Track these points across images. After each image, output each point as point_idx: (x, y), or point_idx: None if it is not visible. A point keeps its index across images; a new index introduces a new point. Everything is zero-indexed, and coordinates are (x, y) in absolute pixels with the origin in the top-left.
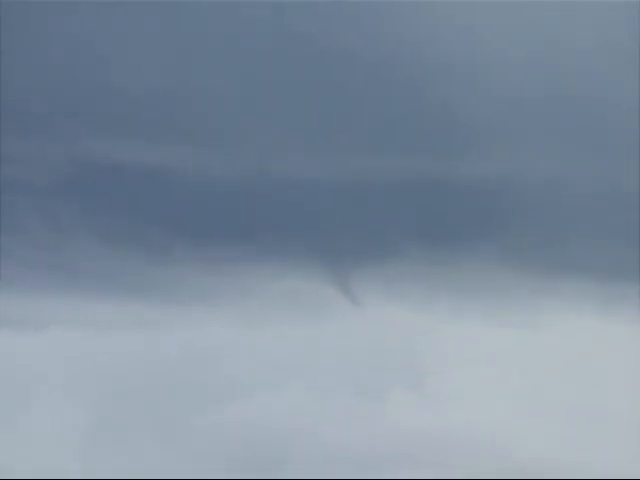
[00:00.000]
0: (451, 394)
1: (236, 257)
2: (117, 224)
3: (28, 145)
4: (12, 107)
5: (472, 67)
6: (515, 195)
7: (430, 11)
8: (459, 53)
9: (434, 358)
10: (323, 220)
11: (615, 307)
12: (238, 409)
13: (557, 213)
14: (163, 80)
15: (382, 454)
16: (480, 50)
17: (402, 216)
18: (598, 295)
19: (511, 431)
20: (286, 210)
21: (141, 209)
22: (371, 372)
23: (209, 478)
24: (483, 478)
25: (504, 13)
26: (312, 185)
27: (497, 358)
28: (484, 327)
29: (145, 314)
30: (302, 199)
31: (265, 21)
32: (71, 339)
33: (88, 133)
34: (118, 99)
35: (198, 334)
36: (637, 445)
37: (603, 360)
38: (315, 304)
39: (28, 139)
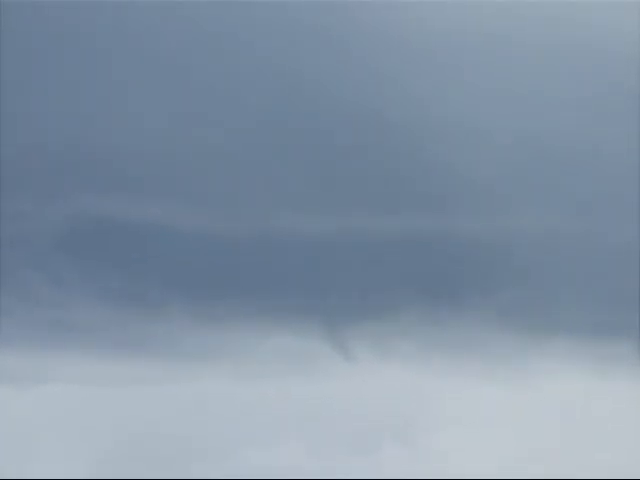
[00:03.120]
0: (443, 450)
1: (232, 314)
2: (116, 281)
3: (27, 202)
4: (11, 164)
5: (469, 123)
6: (511, 253)
7: (430, 70)
8: (457, 110)
9: (427, 415)
10: (319, 277)
11: (609, 366)
12: (231, 463)
13: (552, 271)
14: (162, 137)
15: None
16: (478, 106)
17: (397, 273)
18: (592, 354)
19: None
20: (282, 267)
21: (140, 265)
22: (364, 428)
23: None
24: None
25: (503, 70)
26: (308, 242)
27: (490, 416)
28: (477, 385)
29: (143, 370)
30: (298, 256)
31: (264, 78)
32: (71, 395)
33: (87, 190)
34: (117, 156)
35: (195, 390)
36: None
37: (596, 419)
38: (310, 360)
39: (27, 196)
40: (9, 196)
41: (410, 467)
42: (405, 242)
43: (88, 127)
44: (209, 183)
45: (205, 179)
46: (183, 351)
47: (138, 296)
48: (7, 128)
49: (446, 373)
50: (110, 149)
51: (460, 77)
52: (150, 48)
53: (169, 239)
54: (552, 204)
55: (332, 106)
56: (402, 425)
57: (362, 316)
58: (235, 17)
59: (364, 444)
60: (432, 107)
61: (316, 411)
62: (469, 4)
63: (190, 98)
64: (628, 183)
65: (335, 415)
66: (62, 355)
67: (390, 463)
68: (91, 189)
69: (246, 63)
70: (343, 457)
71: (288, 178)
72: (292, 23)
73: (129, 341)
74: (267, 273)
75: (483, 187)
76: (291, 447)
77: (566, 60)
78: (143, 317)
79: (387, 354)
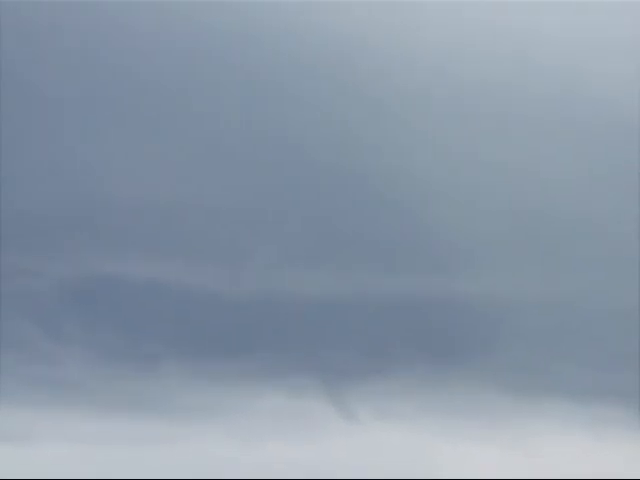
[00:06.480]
0: None
1: (231, 372)
2: (115, 338)
3: (27, 259)
4: (12, 220)
5: (471, 188)
6: (510, 315)
7: (432, 137)
8: (454, 171)
9: (426, 475)
10: (319, 336)
11: (605, 429)
12: None
13: (551, 333)
14: (163, 194)
15: None
16: (475, 166)
17: (397, 334)
18: (589, 417)
19: None
20: (281, 325)
21: (138, 324)
22: None
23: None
24: None
25: (498, 128)
26: (307, 301)
27: (487, 477)
28: (476, 446)
29: (141, 429)
30: (297, 315)
31: (265, 135)
32: (68, 454)
33: (88, 247)
34: (117, 214)
35: (192, 449)
36: None
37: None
38: (309, 420)
39: (27, 253)
40: (10, 252)
41: None
42: (405, 303)
43: (89, 184)
44: (207, 242)
45: (203, 238)
46: (181, 410)
47: (137, 354)
48: (9, 185)
49: (445, 434)
50: (110, 207)
51: (461, 147)
52: (150, 106)
53: (168, 297)
54: (551, 267)
55: (335, 167)
56: None
57: (362, 376)
58: (235, 75)
59: None
60: (436, 172)
61: (314, 471)
62: (469, 78)
63: (192, 158)
64: (624, 248)
65: (333, 475)
66: (60, 413)
67: None
68: (91, 246)
69: (248, 121)
70: None
71: (287, 237)
72: (293, 86)
73: (127, 400)
74: (266, 332)
75: (483, 250)
76: None
77: (564, 128)
78: (141, 375)
79: (387, 414)
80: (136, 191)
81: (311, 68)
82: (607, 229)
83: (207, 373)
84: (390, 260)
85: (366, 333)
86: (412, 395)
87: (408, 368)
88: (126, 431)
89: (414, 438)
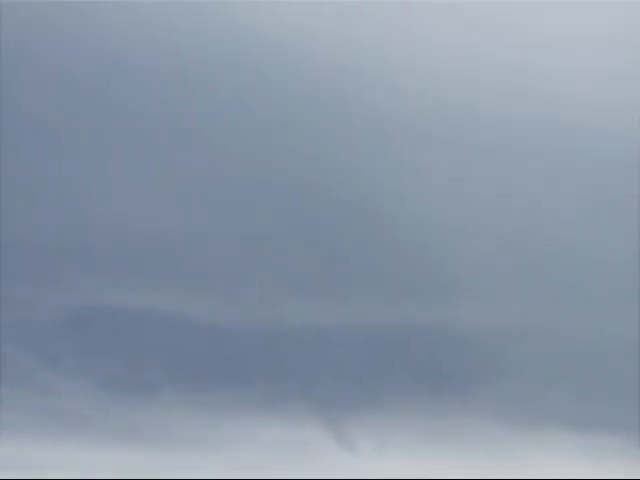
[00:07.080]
0: None
1: (231, 403)
2: (115, 368)
3: (27, 289)
4: (11, 250)
5: (465, 216)
6: (509, 345)
7: (424, 162)
8: (453, 202)
9: None
10: (319, 366)
11: (603, 458)
12: None
13: (549, 363)
14: (161, 224)
15: None
16: (474, 198)
17: (397, 364)
18: (586, 447)
19: None
20: (281, 356)
21: (138, 353)
22: None
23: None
24: None
25: (501, 160)
26: (307, 331)
27: None
28: (475, 477)
29: (140, 459)
30: (297, 345)
31: (262, 167)
32: None
33: (87, 277)
34: (117, 243)
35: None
36: None
37: None
38: (310, 451)
39: (26, 283)
40: (9, 282)
41: None
42: (405, 334)
43: (89, 214)
44: (206, 272)
45: (202, 268)
46: (180, 440)
47: (136, 385)
48: (8, 214)
49: (445, 464)
50: (110, 236)
51: (461, 178)
52: (150, 136)
53: (167, 327)
54: (550, 299)
55: (333, 198)
56: None
57: (362, 407)
58: (233, 106)
59: None
60: (435, 203)
61: None
62: (471, 111)
63: (190, 190)
64: (624, 281)
65: None
66: (60, 444)
67: None
68: (91, 277)
69: (246, 153)
70: None
71: (287, 267)
72: (291, 118)
73: (126, 430)
74: (266, 362)
75: (482, 281)
76: None
77: (564, 161)
78: (140, 405)
79: (386, 445)
80: (135, 222)
81: (310, 99)
82: (607, 262)
83: (206, 403)
84: (389, 291)
85: (365, 363)
86: (412, 426)
87: (408, 399)
88: (126, 461)
89: (414, 469)
